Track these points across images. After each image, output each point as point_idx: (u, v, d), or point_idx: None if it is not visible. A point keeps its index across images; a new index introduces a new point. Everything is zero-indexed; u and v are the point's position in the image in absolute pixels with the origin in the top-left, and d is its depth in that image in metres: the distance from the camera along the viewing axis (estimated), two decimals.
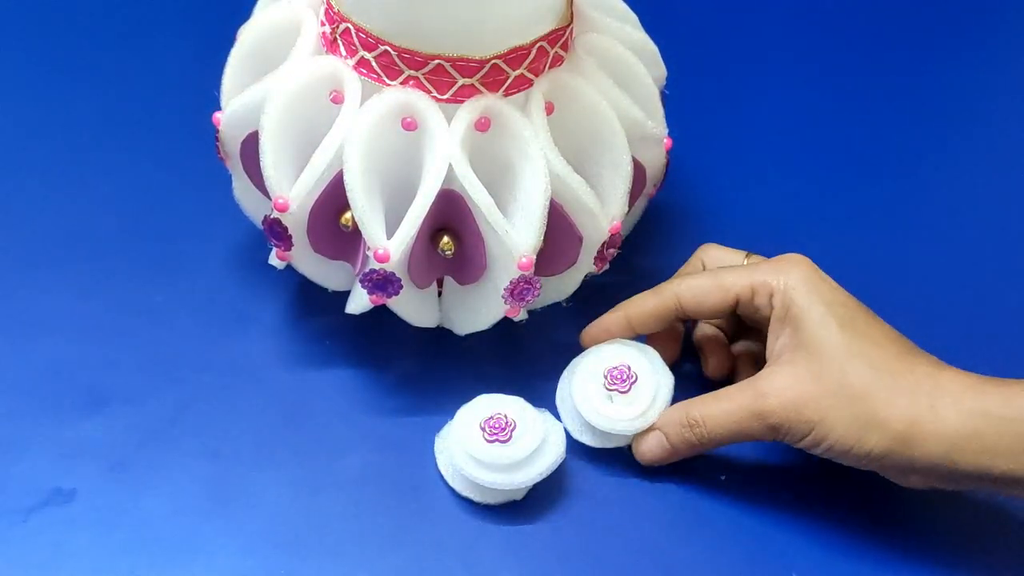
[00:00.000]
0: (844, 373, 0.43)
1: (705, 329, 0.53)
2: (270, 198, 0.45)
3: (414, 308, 0.49)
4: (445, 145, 0.44)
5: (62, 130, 0.62)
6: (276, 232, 0.46)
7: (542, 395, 0.49)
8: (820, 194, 0.63)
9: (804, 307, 0.45)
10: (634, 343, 0.49)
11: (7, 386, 0.49)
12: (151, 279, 0.54)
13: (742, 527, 0.47)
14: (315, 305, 0.53)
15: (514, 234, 0.45)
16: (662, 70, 0.54)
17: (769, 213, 0.61)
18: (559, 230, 0.46)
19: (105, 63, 0.66)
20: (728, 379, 0.51)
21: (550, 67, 0.46)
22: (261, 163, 0.45)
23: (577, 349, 0.51)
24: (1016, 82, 0.73)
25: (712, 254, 0.52)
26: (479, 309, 0.49)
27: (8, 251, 0.55)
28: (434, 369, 0.52)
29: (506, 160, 0.45)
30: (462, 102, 0.45)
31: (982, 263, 0.59)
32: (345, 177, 0.44)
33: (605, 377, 0.48)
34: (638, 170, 0.49)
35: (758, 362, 0.49)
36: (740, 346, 0.53)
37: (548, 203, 0.45)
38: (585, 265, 0.49)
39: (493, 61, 0.44)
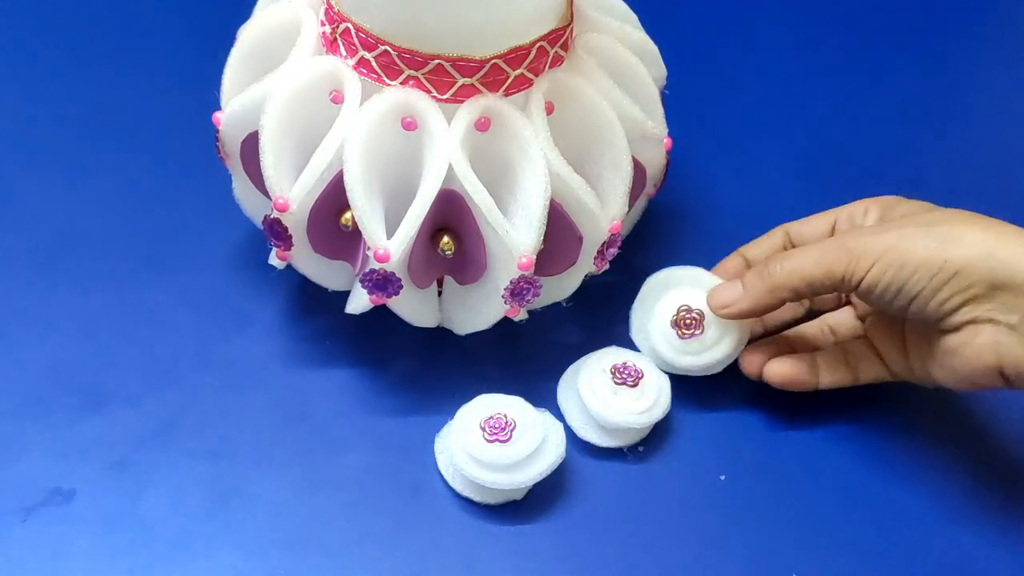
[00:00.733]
0: (927, 222, 0.45)
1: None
2: (270, 198, 0.45)
3: (414, 308, 0.49)
4: (445, 145, 0.44)
5: (62, 130, 0.62)
6: (276, 232, 0.46)
7: (542, 395, 0.50)
8: (820, 194, 0.62)
9: (906, 205, 0.48)
10: (634, 352, 0.50)
11: (7, 386, 0.49)
12: (151, 279, 0.54)
13: (742, 527, 0.47)
14: (315, 305, 0.53)
15: (514, 234, 0.45)
16: (662, 70, 0.54)
17: (769, 213, 0.60)
18: (559, 230, 0.46)
19: (105, 63, 0.66)
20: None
21: (550, 67, 0.46)
22: (261, 163, 0.45)
23: (577, 349, 0.51)
24: (1016, 81, 0.73)
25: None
26: (479, 309, 0.49)
27: (8, 251, 0.55)
28: (434, 369, 0.52)
29: (506, 160, 0.45)
30: (462, 102, 0.45)
31: None
32: (345, 177, 0.44)
33: (611, 373, 0.48)
34: (638, 170, 0.49)
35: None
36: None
37: (548, 203, 0.45)
38: (585, 265, 0.49)
39: (493, 61, 0.44)
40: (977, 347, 0.43)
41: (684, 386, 0.50)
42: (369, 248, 0.44)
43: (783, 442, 0.50)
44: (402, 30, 0.44)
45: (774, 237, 0.52)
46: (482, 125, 0.44)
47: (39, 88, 0.65)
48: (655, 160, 0.51)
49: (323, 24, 0.46)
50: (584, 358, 0.50)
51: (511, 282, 0.46)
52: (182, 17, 0.70)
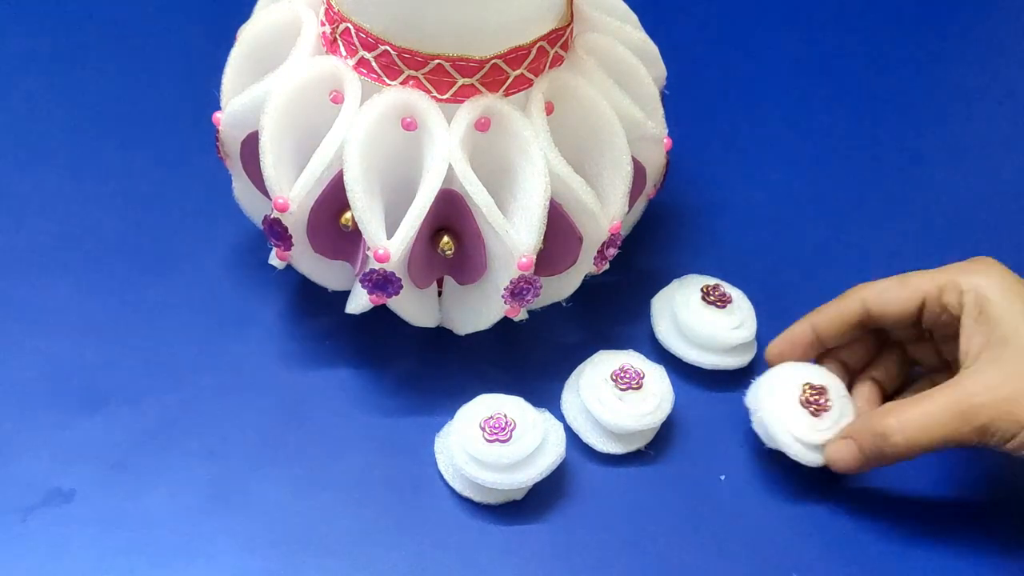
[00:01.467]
0: None
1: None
2: (270, 198, 0.45)
3: (414, 308, 0.49)
4: (445, 145, 0.44)
5: (62, 130, 0.62)
6: (276, 232, 0.46)
7: (542, 395, 0.50)
8: (820, 194, 0.63)
9: (1003, 304, 0.43)
10: (624, 351, 0.50)
11: (7, 386, 0.49)
12: (151, 279, 0.54)
13: (742, 527, 0.47)
14: (315, 305, 0.53)
15: (514, 234, 0.45)
16: (662, 70, 0.54)
17: (769, 213, 0.61)
18: (559, 230, 0.46)
19: (105, 63, 0.66)
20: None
21: (550, 67, 0.46)
22: (261, 163, 0.45)
23: (577, 349, 0.51)
24: (1016, 81, 0.73)
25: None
26: (479, 309, 0.49)
27: (8, 251, 0.55)
28: (434, 369, 0.52)
29: (506, 160, 0.45)
30: (462, 102, 0.45)
31: None
32: (345, 177, 0.44)
33: (613, 380, 0.48)
34: (638, 170, 0.49)
35: (884, 393, 0.49)
36: (867, 375, 0.50)
37: (548, 203, 0.45)
38: (585, 265, 0.49)
39: (493, 61, 0.44)
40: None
41: (684, 386, 0.50)
42: (369, 248, 0.44)
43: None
44: (402, 30, 0.44)
45: (848, 306, 0.48)
46: (482, 125, 0.44)
47: (39, 88, 0.65)
48: (655, 160, 0.51)
49: (323, 24, 0.46)
50: (577, 371, 0.50)
51: (511, 282, 0.46)
52: (182, 17, 0.70)
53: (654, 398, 0.48)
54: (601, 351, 0.50)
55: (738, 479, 0.48)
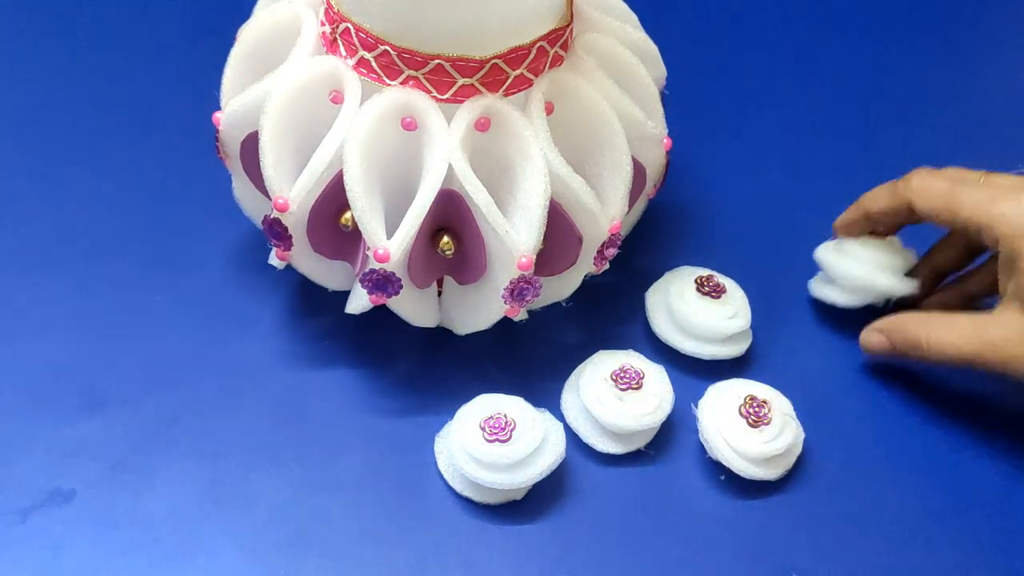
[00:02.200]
0: None
1: None
2: (270, 198, 0.45)
3: (414, 308, 0.49)
4: (445, 145, 0.44)
5: (62, 130, 0.62)
6: (276, 232, 0.46)
7: (542, 395, 0.50)
8: (820, 194, 0.63)
9: (955, 185, 0.48)
10: (624, 351, 0.50)
11: (6, 386, 0.49)
12: (151, 279, 0.54)
13: (742, 527, 0.47)
14: (315, 305, 0.53)
15: (514, 234, 0.45)
16: (662, 70, 0.54)
17: (769, 213, 0.61)
18: (559, 230, 0.46)
19: (105, 63, 0.67)
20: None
21: (550, 67, 0.46)
22: (261, 163, 0.45)
23: (577, 349, 0.51)
24: (1016, 80, 0.73)
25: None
26: (479, 309, 0.49)
27: (8, 251, 0.55)
28: (434, 369, 0.52)
29: (506, 160, 0.45)
30: (462, 102, 0.45)
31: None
32: (345, 177, 0.44)
33: (613, 380, 0.48)
34: (638, 170, 0.49)
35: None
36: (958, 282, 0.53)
37: (548, 203, 0.45)
38: (585, 265, 0.49)
39: (493, 61, 0.44)
40: None
41: (683, 386, 0.50)
42: (369, 248, 0.44)
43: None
44: (402, 30, 0.44)
45: (896, 197, 0.51)
46: (482, 125, 0.44)
47: (39, 88, 0.65)
48: (655, 160, 0.51)
49: (323, 24, 0.46)
50: (577, 371, 0.50)
51: (511, 282, 0.46)
52: (182, 17, 0.70)
53: (654, 398, 0.48)
54: (601, 351, 0.50)
55: (738, 479, 0.48)
